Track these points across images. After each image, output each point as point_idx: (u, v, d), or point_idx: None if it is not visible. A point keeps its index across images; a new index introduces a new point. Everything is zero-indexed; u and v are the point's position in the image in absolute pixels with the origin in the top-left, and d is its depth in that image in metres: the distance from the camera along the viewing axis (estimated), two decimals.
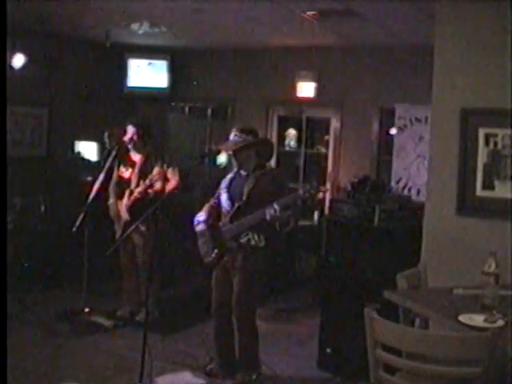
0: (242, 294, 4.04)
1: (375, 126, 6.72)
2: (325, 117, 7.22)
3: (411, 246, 4.02)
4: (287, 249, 6.45)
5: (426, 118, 5.98)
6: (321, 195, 6.95)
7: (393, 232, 4.30)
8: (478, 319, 2.59)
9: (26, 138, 6.71)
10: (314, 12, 5.10)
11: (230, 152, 4.16)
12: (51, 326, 4.99)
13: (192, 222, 4.31)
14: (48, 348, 4.62)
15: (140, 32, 6.29)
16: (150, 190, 5.08)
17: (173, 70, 7.72)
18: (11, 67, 6.17)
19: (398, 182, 6.40)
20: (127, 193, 5.20)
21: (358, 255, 4.34)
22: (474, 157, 3.74)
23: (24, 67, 6.38)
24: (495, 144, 3.69)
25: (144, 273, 5.16)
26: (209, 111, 7.97)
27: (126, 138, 5.23)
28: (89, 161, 7.09)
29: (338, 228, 4.56)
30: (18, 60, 6.28)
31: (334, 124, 7.06)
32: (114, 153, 5.25)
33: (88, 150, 7.21)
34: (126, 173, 5.29)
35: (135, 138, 5.23)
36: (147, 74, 7.68)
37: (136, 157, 5.29)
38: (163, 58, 7.67)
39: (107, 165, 5.24)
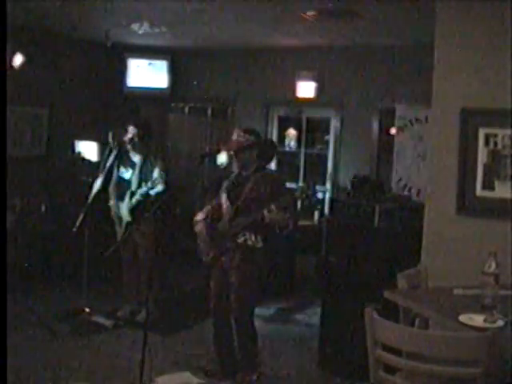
0: (239, 294, 4.04)
1: (375, 126, 6.73)
2: (325, 117, 7.22)
3: (411, 246, 4.02)
4: (287, 249, 6.45)
5: (426, 118, 5.99)
6: (320, 195, 7.00)
7: (393, 232, 4.31)
8: (478, 319, 2.59)
9: (25, 137, 6.71)
10: (313, 12, 5.10)
11: (232, 152, 4.14)
12: (51, 326, 4.99)
13: (192, 221, 4.32)
14: (48, 348, 4.62)
15: (140, 32, 6.29)
16: (151, 192, 5.09)
17: (173, 70, 7.72)
18: (11, 67, 6.17)
19: (398, 182, 6.41)
20: (128, 194, 5.20)
21: (357, 255, 4.35)
22: (474, 157, 3.74)
23: (24, 67, 6.38)
24: (495, 144, 3.69)
25: (144, 273, 5.16)
26: (209, 111, 7.98)
27: (127, 139, 5.23)
28: (89, 161, 7.08)
29: (338, 228, 4.57)
30: (18, 60, 6.28)
31: (334, 124, 7.07)
32: (114, 153, 5.25)
33: (88, 149, 7.20)
34: (127, 174, 5.28)
35: (136, 138, 5.22)
36: (147, 74, 7.69)
37: (136, 157, 5.29)
38: (163, 58, 7.67)
39: (107, 165, 5.24)
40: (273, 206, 3.81)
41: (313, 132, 7.43)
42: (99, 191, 5.20)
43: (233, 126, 6.94)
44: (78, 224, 4.97)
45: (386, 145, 6.65)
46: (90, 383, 4.10)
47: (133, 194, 5.17)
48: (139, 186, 5.16)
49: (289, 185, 5.61)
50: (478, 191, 3.75)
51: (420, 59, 5.74)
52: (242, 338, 4.13)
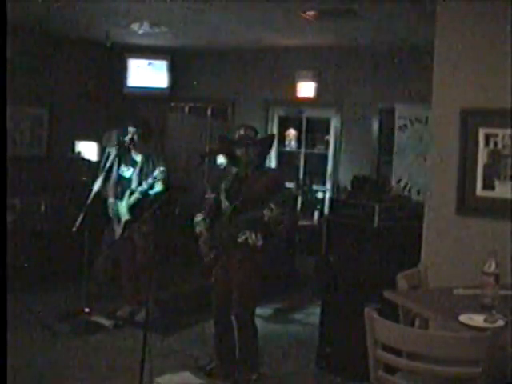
0: (240, 294, 4.04)
1: (375, 126, 6.73)
2: (325, 117, 7.23)
3: (411, 246, 4.01)
4: (287, 248, 6.46)
5: (426, 118, 5.99)
6: (320, 195, 7.00)
7: (393, 232, 4.30)
8: (478, 319, 2.59)
9: (25, 138, 6.71)
10: (314, 12, 5.10)
11: (243, 148, 4.08)
12: (51, 326, 4.99)
13: (192, 221, 4.32)
14: (48, 348, 4.62)
15: (140, 32, 6.30)
16: (150, 192, 5.09)
17: (173, 70, 7.72)
18: (11, 67, 6.16)
19: (398, 182, 6.41)
20: (128, 192, 5.20)
21: (357, 255, 4.34)
22: (474, 157, 3.74)
23: (24, 67, 6.38)
24: (495, 144, 3.69)
25: (144, 273, 5.16)
26: (209, 111, 7.98)
27: (127, 138, 5.24)
28: (89, 161, 7.09)
29: (338, 228, 4.57)
30: (19, 60, 6.28)
31: (334, 124, 7.07)
32: (114, 152, 5.25)
33: (88, 150, 7.20)
34: (127, 172, 5.29)
35: (136, 137, 5.23)
36: (147, 74, 7.69)
37: (137, 157, 5.30)
38: (163, 58, 7.67)
39: (107, 165, 5.24)
40: (272, 205, 3.81)
41: (313, 132, 7.43)
42: (99, 191, 5.20)
43: (233, 126, 6.94)
44: (77, 224, 4.97)
45: (386, 145, 6.65)
46: (90, 383, 4.10)
47: (132, 192, 5.17)
48: (139, 184, 5.17)
49: (288, 184, 5.64)
50: (478, 191, 3.75)
51: (420, 59, 5.74)
52: (243, 338, 4.13)
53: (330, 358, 4.44)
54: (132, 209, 5.16)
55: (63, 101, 7.03)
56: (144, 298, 4.52)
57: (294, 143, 7.43)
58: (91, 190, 5.18)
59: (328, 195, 6.91)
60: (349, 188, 5.71)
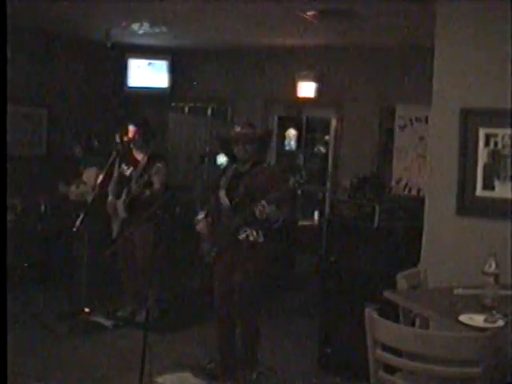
0: (243, 292, 4.04)
1: (375, 126, 6.73)
2: (325, 117, 7.23)
3: (411, 246, 4.01)
4: (287, 248, 6.46)
5: (426, 118, 5.98)
6: (320, 195, 7.00)
7: (393, 232, 4.30)
8: (478, 319, 2.59)
9: (25, 138, 6.70)
10: (314, 12, 5.10)
11: (240, 144, 4.09)
12: (51, 326, 4.99)
13: (192, 221, 4.32)
14: (48, 348, 4.62)
15: (140, 32, 6.29)
16: (146, 190, 5.09)
17: (173, 70, 7.72)
18: (11, 67, 6.15)
19: (398, 182, 6.41)
20: (125, 191, 5.21)
21: (357, 255, 4.34)
22: (474, 157, 3.74)
23: (24, 67, 6.38)
24: (495, 144, 3.69)
25: (144, 273, 5.16)
26: (209, 111, 7.98)
27: (127, 138, 5.24)
28: None
29: (338, 228, 4.56)
30: (18, 60, 6.28)
31: (334, 124, 7.07)
32: (114, 152, 5.26)
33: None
34: (127, 171, 5.30)
35: (136, 137, 5.23)
36: (147, 74, 7.68)
37: (139, 156, 5.31)
38: (163, 58, 7.66)
39: (108, 164, 5.25)
40: (263, 202, 3.81)
41: (313, 132, 7.44)
42: (99, 191, 5.20)
43: (233, 126, 6.94)
44: (77, 224, 4.97)
45: (386, 145, 6.65)
46: (90, 383, 4.10)
47: (130, 190, 5.18)
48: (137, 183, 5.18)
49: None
50: (478, 191, 3.75)
51: (420, 59, 5.74)
52: (245, 336, 4.13)
53: (330, 358, 4.44)
54: (129, 207, 5.16)
55: (63, 101, 7.03)
56: (144, 298, 4.52)
57: (293, 143, 7.43)
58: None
59: (328, 195, 6.92)
60: (349, 188, 5.71)
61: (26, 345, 4.59)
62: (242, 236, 4.01)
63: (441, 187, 3.91)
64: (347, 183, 5.19)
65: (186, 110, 8.21)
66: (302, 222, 6.74)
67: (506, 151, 3.65)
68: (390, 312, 2.95)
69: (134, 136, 5.24)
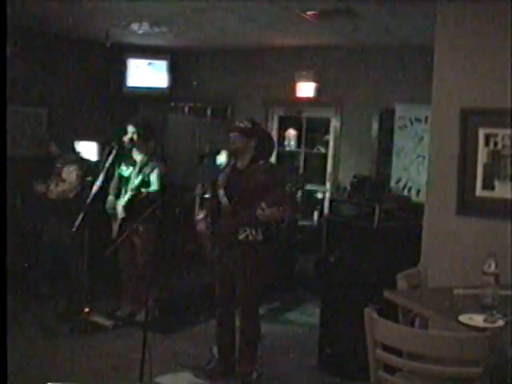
0: (244, 291, 4.04)
1: (375, 126, 6.73)
2: (325, 117, 7.22)
3: (411, 246, 4.01)
4: (287, 248, 6.45)
5: (426, 118, 5.98)
6: (320, 195, 6.99)
7: (393, 232, 4.30)
8: (478, 319, 2.59)
9: (26, 138, 6.70)
10: (314, 12, 5.10)
11: (234, 134, 4.09)
12: (51, 326, 4.99)
13: (192, 221, 4.32)
14: (48, 348, 4.62)
15: (140, 32, 6.29)
16: (143, 190, 5.09)
17: (173, 70, 7.72)
18: (11, 67, 6.15)
19: (398, 182, 6.41)
20: (124, 190, 5.21)
21: (357, 255, 4.34)
22: (474, 157, 3.74)
23: (24, 67, 6.38)
24: (495, 144, 3.69)
25: (144, 273, 5.16)
26: (209, 111, 7.98)
27: (126, 138, 5.24)
28: (88, 161, 7.07)
29: (337, 228, 4.56)
30: (18, 60, 6.27)
31: (334, 124, 7.07)
32: (114, 152, 5.25)
33: (88, 149, 7.19)
34: (126, 171, 5.30)
35: (135, 137, 5.23)
36: (147, 74, 7.68)
37: (138, 156, 5.31)
38: (163, 58, 7.67)
39: (107, 164, 5.24)
40: (263, 205, 3.80)
41: (313, 132, 7.43)
42: (99, 191, 5.19)
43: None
44: (77, 224, 4.97)
45: (386, 145, 6.65)
46: (90, 383, 4.10)
47: (129, 191, 5.18)
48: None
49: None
50: (478, 191, 3.75)
51: (420, 59, 5.75)
52: (245, 336, 4.13)
53: (330, 358, 4.44)
54: (128, 207, 5.16)
55: (63, 101, 7.02)
56: (144, 298, 4.52)
57: (293, 143, 7.42)
58: (91, 189, 5.18)
59: (328, 195, 6.91)
60: (349, 188, 5.71)
61: (26, 345, 4.59)
62: (242, 236, 4.01)
63: (441, 187, 3.91)
64: (347, 183, 5.19)
65: (186, 110, 8.22)
66: (301, 222, 6.73)
67: (506, 151, 3.65)
68: (390, 312, 2.96)
69: (133, 136, 5.23)
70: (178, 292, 6.34)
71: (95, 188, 5.16)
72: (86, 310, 5.19)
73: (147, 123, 5.47)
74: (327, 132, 7.24)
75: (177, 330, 5.22)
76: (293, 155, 7.47)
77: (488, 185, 3.72)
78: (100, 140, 6.90)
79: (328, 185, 7.08)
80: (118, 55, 7.43)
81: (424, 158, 5.84)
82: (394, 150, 6.47)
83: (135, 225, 4.48)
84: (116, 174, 5.37)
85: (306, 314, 5.84)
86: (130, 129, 5.26)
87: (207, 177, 7.01)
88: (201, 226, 4.24)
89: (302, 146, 7.41)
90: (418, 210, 4.36)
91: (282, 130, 7.49)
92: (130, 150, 5.33)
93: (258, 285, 4.09)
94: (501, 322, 2.57)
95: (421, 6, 4.48)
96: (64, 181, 5.54)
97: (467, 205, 3.78)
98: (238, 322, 4.15)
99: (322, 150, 7.28)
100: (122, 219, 5.20)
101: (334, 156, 7.05)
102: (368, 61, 6.67)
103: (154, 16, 5.70)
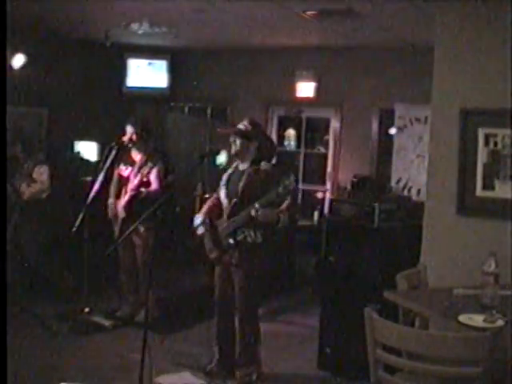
0: (243, 292, 4.04)
1: (375, 126, 6.73)
2: (325, 117, 7.22)
3: (411, 246, 4.01)
4: (287, 248, 6.45)
5: (426, 118, 5.99)
6: (320, 195, 6.99)
7: (393, 232, 4.30)
8: (477, 319, 2.60)
9: (25, 138, 6.69)
10: (313, 12, 5.10)
11: (234, 136, 4.09)
12: (51, 326, 4.99)
13: (192, 221, 4.32)
14: (48, 348, 4.62)
15: (140, 32, 6.29)
16: (142, 189, 5.09)
17: (173, 70, 7.72)
18: (11, 67, 6.16)
19: (398, 182, 6.41)
20: (123, 191, 5.21)
21: (357, 255, 4.34)
22: (474, 157, 3.74)
23: (24, 67, 6.38)
24: (495, 144, 3.69)
25: (144, 273, 5.16)
26: (209, 111, 7.98)
27: (125, 138, 5.24)
28: (88, 161, 7.08)
29: (337, 228, 4.56)
30: (18, 60, 6.28)
31: (334, 124, 7.07)
32: (113, 152, 5.25)
33: (88, 149, 7.20)
34: (126, 171, 5.30)
35: (134, 137, 5.23)
36: (147, 73, 7.69)
37: (137, 156, 5.30)
38: (163, 58, 7.67)
39: (107, 164, 5.24)
40: (257, 205, 3.80)
41: (313, 132, 7.43)
42: (98, 191, 5.20)
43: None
44: (77, 224, 4.97)
45: (386, 145, 6.65)
46: (90, 383, 4.10)
47: (129, 191, 5.18)
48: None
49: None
50: (478, 191, 3.75)
51: (420, 59, 5.74)
52: (245, 337, 4.13)
53: (330, 358, 4.44)
54: (128, 207, 5.16)
55: (63, 101, 7.03)
56: (144, 298, 4.52)
57: (293, 143, 7.43)
58: (91, 189, 5.18)
59: (328, 195, 6.91)
60: (349, 188, 5.71)
61: (26, 345, 4.59)
62: (240, 237, 4.01)
63: (441, 187, 3.91)
64: (347, 183, 5.19)
65: (186, 110, 8.22)
66: (301, 222, 6.73)
67: (506, 151, 3.65)
68: (390, 312, 2.96)
69: (132, 136, 5.23)
70: (178, 292, 6.34)
71: (95, 188, 5.17)
72: (86, 309, 5.20)
73: (146, 123, 5.47)
74: (327, 132, 7.24)
75: (177, 330, 5.22)
76: (293, 155, 7.47)
77: (488, 185, 3.72)
78: (100, 140, 6.90)
79: (328, 185, 7.09)
80: (118, 55, 7.44)
81: (424, 157, 5.85)
82: (394, 150, 6.47)
83: (135, 225, 4.48)
84: (115, 174, 5.37)
85: (305, 314, 5.84)
86: (129, 129, 5.25)
87: (207, 177, 7.03)
88: (200, 229, 4.23)
89: (302, 146, 7.41)
90: (417, 209, 4.36)
91: (281, 130, 7.49)
92: (129, 150, 5.32)
93: (257, 285, 4.09)
94: (501, 322, 2.57)
95: (421, 6, 4.48)
96: (35, 181, 5.47)
97: (467, 205, 3.78)
98: (237, 323, 4.15)
99: (322, 149, 7.28)
100: (122, 219, 5.20)
101: (334, 156, 7.05)
102: (368, 61, 6.67)
103: (154, 16, 5.70)
